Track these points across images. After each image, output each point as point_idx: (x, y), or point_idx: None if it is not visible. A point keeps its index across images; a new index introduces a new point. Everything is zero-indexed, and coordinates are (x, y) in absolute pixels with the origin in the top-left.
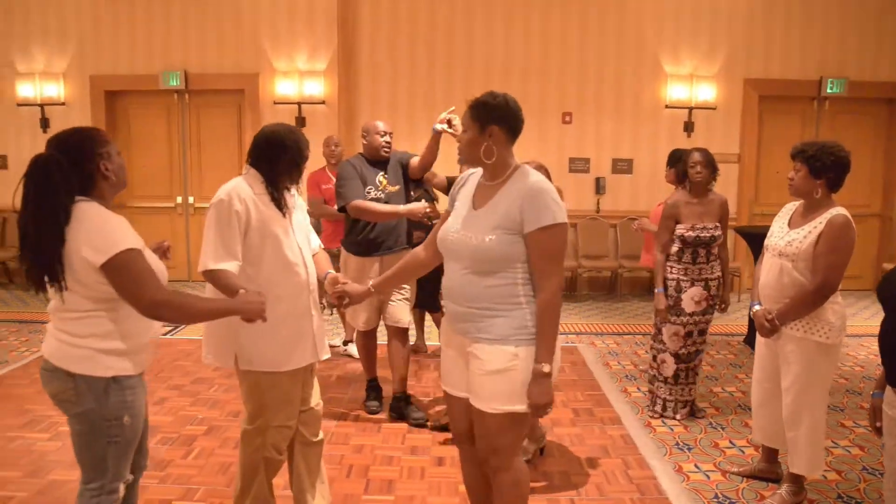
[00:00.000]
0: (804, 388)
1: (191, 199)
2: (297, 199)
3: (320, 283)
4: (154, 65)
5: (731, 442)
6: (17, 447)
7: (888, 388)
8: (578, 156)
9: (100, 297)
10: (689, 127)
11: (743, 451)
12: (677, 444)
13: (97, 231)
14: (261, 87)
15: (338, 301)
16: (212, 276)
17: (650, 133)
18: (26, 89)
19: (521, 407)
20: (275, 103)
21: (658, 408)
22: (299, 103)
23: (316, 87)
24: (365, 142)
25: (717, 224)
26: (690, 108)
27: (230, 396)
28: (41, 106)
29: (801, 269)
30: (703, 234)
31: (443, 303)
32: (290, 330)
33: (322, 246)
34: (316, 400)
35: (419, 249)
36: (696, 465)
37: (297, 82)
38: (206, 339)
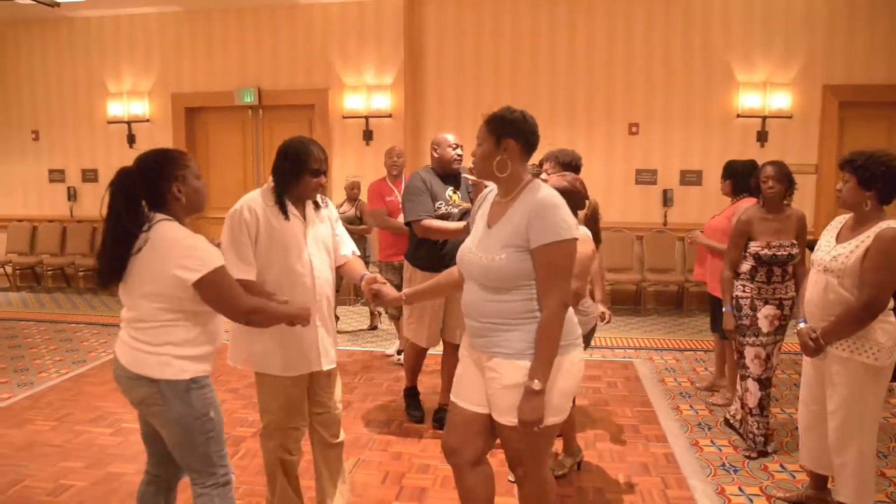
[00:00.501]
0: (851, 413)
1: None
2: (331, 210)
3: (351, 286)
4: (230, 82)
5: (781, 466)
6: (82, 440)
7: None
8: (645, 167)
9: (179, 309)
10: (762, 137)
11: (794, 476)
12: (724, 465)
13: (187, 251)
14: (330, 102)
15: (372, 299)
16: None
17: (721, 144)
18: (115, 108)
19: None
20: (343, 117)
21: (759, 443)
22: (367, 117)
23: (383, 101)
24: (436, 154)
25: (794, 241)
26: (764, 117)
27: None
28: (128, 123)
29: (847, 285)
30: (779, 253)
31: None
32: (294, 337)
33: (357, 252)
34: (335, 403)
35: (454, 269)
36: (739, 489)
37: (364, 96)
38: (230, 343)
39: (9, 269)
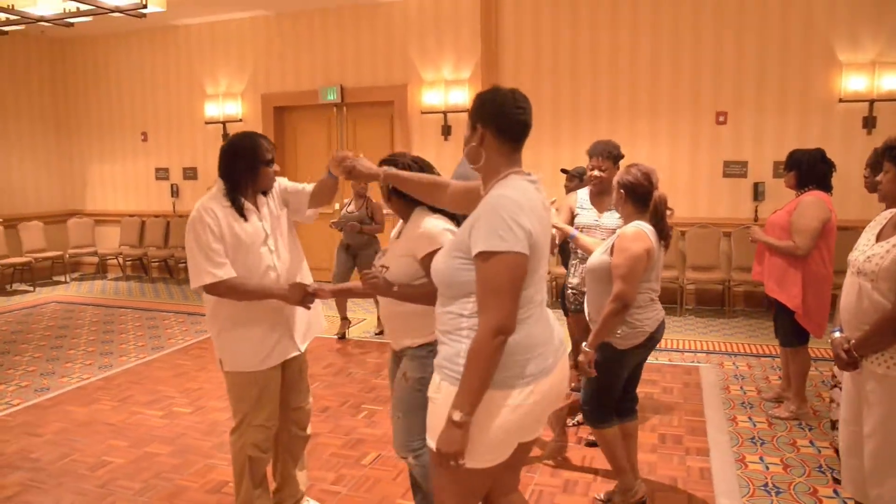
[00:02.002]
0: (889, 438)
1: None
2: (277, 183)
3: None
4: (315, 81)
5: (835, 492)
6: (133, 421)
7: None
8: (734, 159)
9: None
10: (869, 122)
11: None
12: (766, 485)
13: None
14: (409, 98)
15: (346, 175)
16: (218, 288)
17: (821, 131)
18: (212, 109)
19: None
20: (422, 113)
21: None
22: (445, 112)
23: (460, 96)
24: None
25: None
26: (871, 101)
27: (327, 392)
28: (223, 123)
29: (882, 290)
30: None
31: None
32: (264, 331)
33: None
34: (307, 400)
35: (451, 183)
36: None
37: (442, 92)
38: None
39: (121, 260)
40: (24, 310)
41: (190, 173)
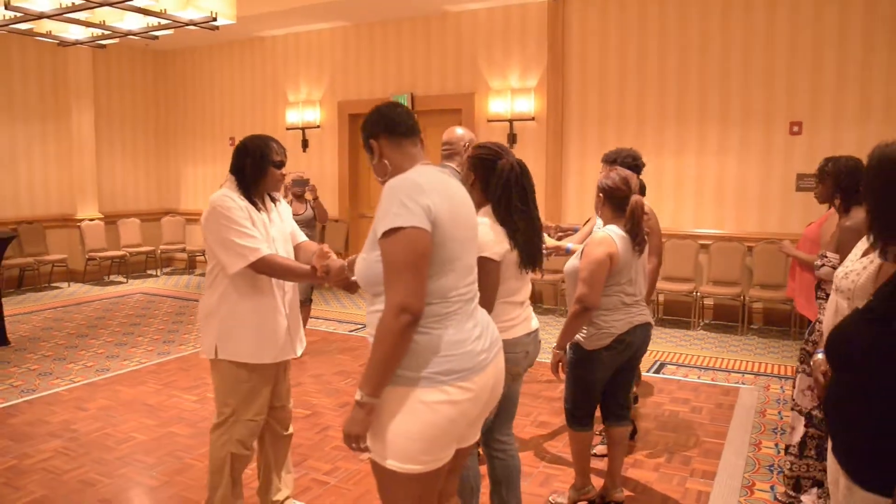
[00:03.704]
0: None
1: None
2: (284, 204)
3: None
4: (387, 89)
5: None
6: (170, 403)
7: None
8: (809, 171)
9: None
10: None
11: None
12: None
13: None
14: (476, 106)
15: (324, 274)
16: (257, 267)
17: None
18: (293, 116)
19: (378, 457)
20: (488, 121)
21: (788, 486)
22: (511, 120)
23: (526, 104)
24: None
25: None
26: None
27: (353, 388)
28: (302, 129)
29: None
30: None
31: None
32: (263, 324)
33: (307, 239)
34: (289, 399)
35: None
36: None
37: (508, 100)
38: (200, 333)
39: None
40: (113, 299)
41: None
